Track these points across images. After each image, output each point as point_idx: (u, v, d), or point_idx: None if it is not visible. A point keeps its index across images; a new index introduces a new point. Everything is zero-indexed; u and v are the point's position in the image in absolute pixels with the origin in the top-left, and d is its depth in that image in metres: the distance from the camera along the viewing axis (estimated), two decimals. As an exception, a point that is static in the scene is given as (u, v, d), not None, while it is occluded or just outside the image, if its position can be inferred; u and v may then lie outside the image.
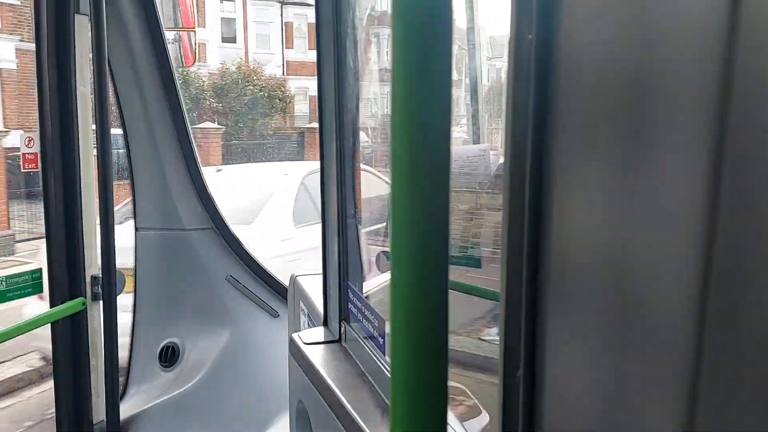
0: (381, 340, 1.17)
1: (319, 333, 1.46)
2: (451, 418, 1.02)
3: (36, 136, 2.30)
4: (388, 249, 1.72)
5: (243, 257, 2.64)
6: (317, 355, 1.34)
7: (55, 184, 2.30)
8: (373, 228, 1.60)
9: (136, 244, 2.65)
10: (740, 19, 0.40)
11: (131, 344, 2.66)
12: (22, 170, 2.34)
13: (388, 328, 1.20)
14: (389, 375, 1.12)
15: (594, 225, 0.53)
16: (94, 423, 2.46)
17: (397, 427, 0.50)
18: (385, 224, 1.68)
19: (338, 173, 1.37)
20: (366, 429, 1.06)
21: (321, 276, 1.93)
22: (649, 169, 0.47)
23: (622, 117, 0.49)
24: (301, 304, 1.80)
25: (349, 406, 1.12)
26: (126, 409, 2.50)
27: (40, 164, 2.29)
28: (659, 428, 0.47)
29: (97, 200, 2.37)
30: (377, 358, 1.19)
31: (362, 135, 1.70)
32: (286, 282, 2.66)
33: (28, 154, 2.25)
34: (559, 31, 0.56)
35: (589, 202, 0.54)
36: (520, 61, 0.60)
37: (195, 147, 2.64)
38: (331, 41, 1.40)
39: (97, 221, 2.39)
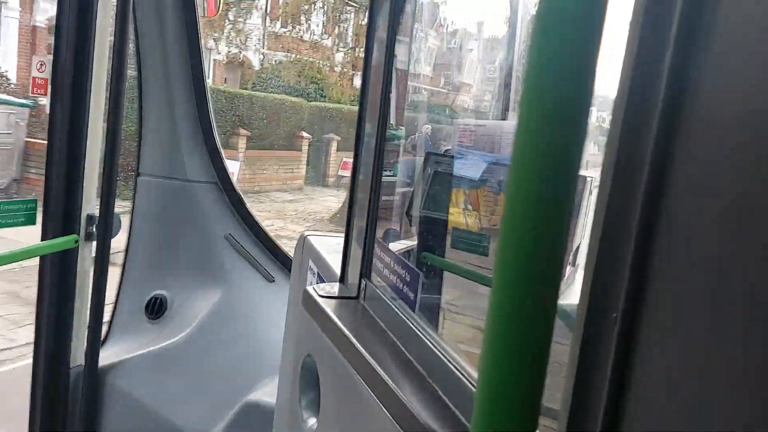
0: (412, 295, 1.12)
1: (334, 288, 1.40)
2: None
3: (49, 61, 2.20)
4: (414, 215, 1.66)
5: (244, 216, 2.57)
6: (334, 310, 1.28)
7: (62, 114, 2.21)
8: (406, 189, 1.54)
9: (135, 189, 2.56)
10: None
11: (118, 291, 2.57)
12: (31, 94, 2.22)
13: (422, 286, 1.14)
14: (418, 332, 1.06)
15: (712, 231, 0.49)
16: (71, 366, 2.37)
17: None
18: (413, 189, 1.63)
19: (378, 123, 1.31)
20: (390, 382, 1.00)
21: (331, 237, 1.87)
22: None
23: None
24: (310, 262, 1.73)
25: (372, 362, 1.06)
26: (105, 357, 2.42)
27: (49, 91, 2.20)
28: None
29: (103, 137, 2.28)
30: (405, 316, 1.13)
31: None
32: (286, 247, 2.59)
33: (38, 78, 2.15)
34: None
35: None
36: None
37: (210, 99, 2.56)
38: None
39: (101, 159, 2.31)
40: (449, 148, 1.81)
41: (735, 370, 0.46)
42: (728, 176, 0.48)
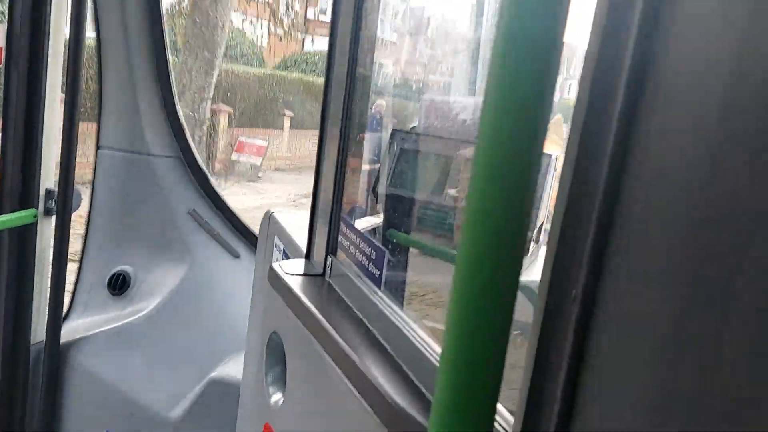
0: (378, 272, 1.12)
1: (299, 265, 1.39)
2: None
3: (2, 28, 2.12)
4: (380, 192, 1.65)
5: (208, 191, 2.53)
6: (300, 287, 1.28)
7: (18, 84, 2.13)
8: (373, 167, 1.53)
9: (96, 162, 2.50)
10: None
11: (79, 266, 2.52)
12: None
13: (387, 263, 1.14)
14: (383, 309, 1.06)
15: (674, 227, 0.49)
16: (31, 343, 2.33)
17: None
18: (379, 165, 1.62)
19: (344, 100, 1.30)
20: (355, 358, 1.00)
21: (298, 214, 1.85)
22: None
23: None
24: (276, 239, 1.72)
25: (338, 338, 1.06)
26: (66, 333, 2.38)
27: (3, 59, 2.12)
28: None
29: (62, 110, 2.22)
30: (371, 293, 1.13)
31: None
32: (250, 224, 2.57)
33: (-8, 47, 2.07)
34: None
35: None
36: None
37: (171, 71, 2.50)
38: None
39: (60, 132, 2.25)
40: (415, 125, 1.81)
41: (692, 350, 0.47)
42: (688, 159, 0.49)
